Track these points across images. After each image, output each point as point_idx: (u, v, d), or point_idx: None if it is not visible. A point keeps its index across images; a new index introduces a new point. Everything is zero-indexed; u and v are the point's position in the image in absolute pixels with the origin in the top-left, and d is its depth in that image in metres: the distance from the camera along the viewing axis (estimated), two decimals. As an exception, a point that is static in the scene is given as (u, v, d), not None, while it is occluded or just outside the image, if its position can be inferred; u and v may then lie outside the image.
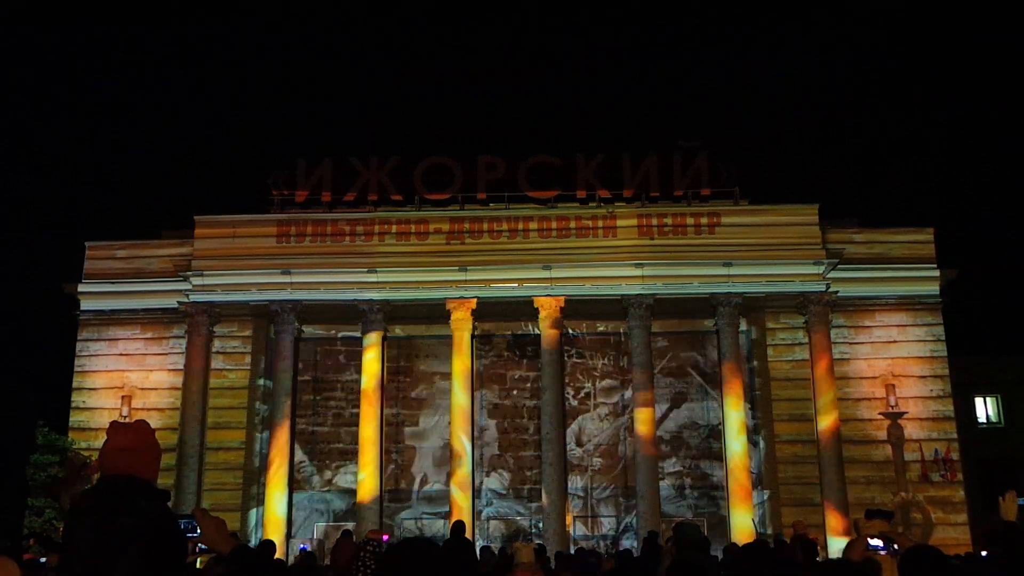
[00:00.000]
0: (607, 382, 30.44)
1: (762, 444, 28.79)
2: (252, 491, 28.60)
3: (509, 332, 30.30)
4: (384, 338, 28.82)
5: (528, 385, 30.22)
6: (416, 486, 29.80)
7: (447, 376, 29.05)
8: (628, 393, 30.01)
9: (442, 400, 29.79)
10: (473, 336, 29.09)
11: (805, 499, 27.38)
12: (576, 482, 29.91)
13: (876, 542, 5.75)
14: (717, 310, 28.05)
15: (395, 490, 29.89)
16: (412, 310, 28.99)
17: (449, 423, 28.55)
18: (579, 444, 30.14)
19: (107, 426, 3.73)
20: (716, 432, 29.18)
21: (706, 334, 29.97)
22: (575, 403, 30.17)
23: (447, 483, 28.62)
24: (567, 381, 30.23)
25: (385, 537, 18.46)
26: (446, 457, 29.06)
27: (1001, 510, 6.45)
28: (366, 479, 27.50)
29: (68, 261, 31.11)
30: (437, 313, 28.60)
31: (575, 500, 29.99)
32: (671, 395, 29.89)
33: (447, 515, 28.88)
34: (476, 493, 29.16)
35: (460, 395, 27.98)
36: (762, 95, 61.70)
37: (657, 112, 58.00)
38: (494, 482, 30.03)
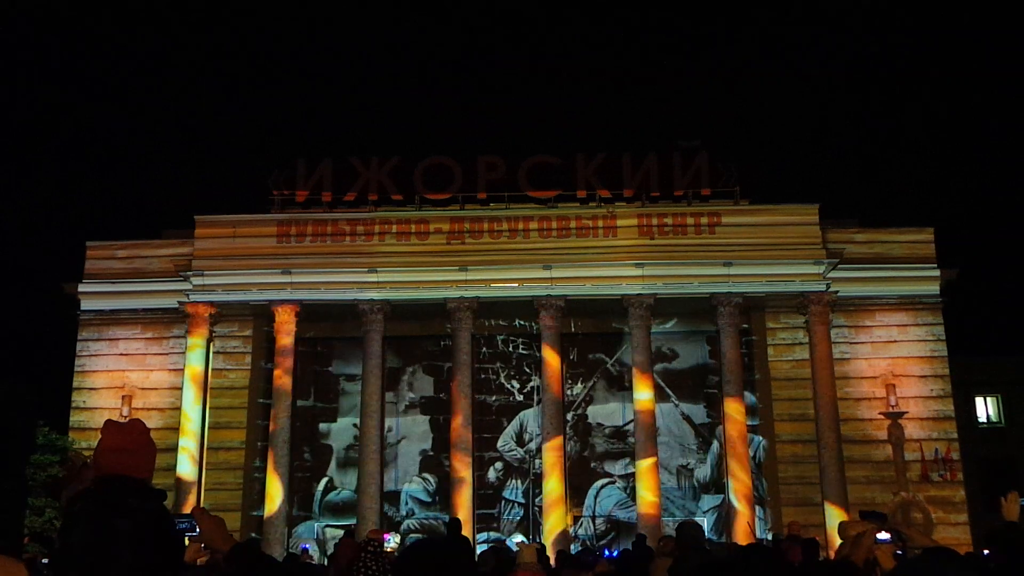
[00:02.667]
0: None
1: (762, 444, 28.76)
2: (252, 491, 28.55)
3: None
4: (384, 339, 28.71)
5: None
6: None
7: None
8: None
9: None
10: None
11: (805, 499, 27.34)
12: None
13: (884, 536, 5.69)
14: (717, 310, 28.00)
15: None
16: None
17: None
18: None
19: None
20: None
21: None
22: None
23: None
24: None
25: (386, 536, 18.45)
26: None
27: (1003, 510, 6.44)
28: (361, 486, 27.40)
29: (68, 261, 31.18)
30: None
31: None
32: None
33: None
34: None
35: (462, 399, 27.73)
36: (762, 95, 61.68)
37: (657, 112, 57.98)
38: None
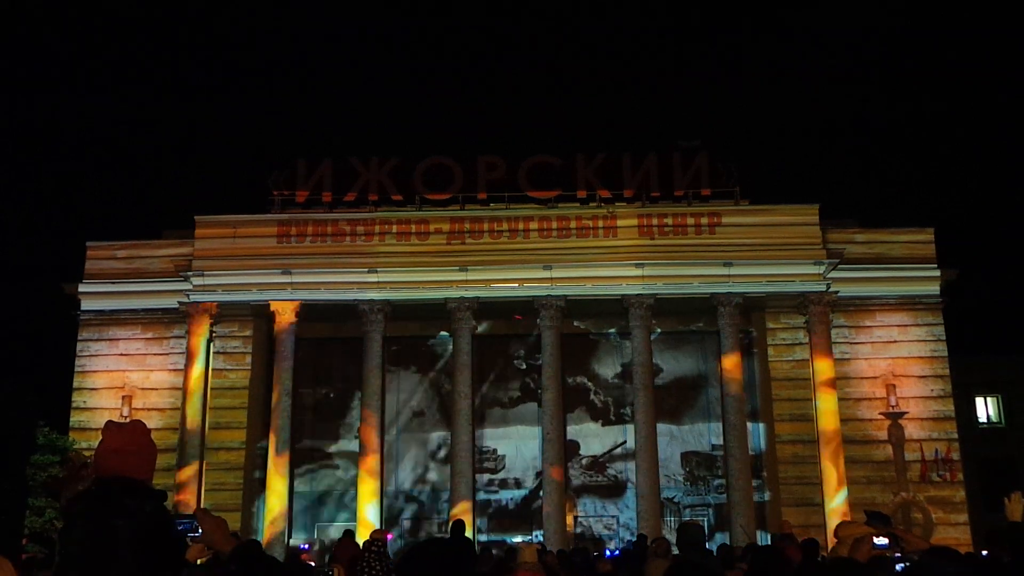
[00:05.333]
0: None
1: (762, 444, 28.73)
2: (253, 491, 28.52)
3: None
4: (385, 338, 28.67)
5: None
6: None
7: None
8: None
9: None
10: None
11: (805, 499, 27.32)
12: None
13: (882, 541, 5.67)
14: (717, 310, 27.97)
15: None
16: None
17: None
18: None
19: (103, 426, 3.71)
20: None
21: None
22: None
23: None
24: None
25: (389, 536, 18.45)
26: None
27: (1007, 510, 6.42)
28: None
29: (68, 261, 31.09)
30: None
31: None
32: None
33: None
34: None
35: (462, 400, 27.64)
36: (762, 94, 61.71)
37: (657, 112, 57.98)
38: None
